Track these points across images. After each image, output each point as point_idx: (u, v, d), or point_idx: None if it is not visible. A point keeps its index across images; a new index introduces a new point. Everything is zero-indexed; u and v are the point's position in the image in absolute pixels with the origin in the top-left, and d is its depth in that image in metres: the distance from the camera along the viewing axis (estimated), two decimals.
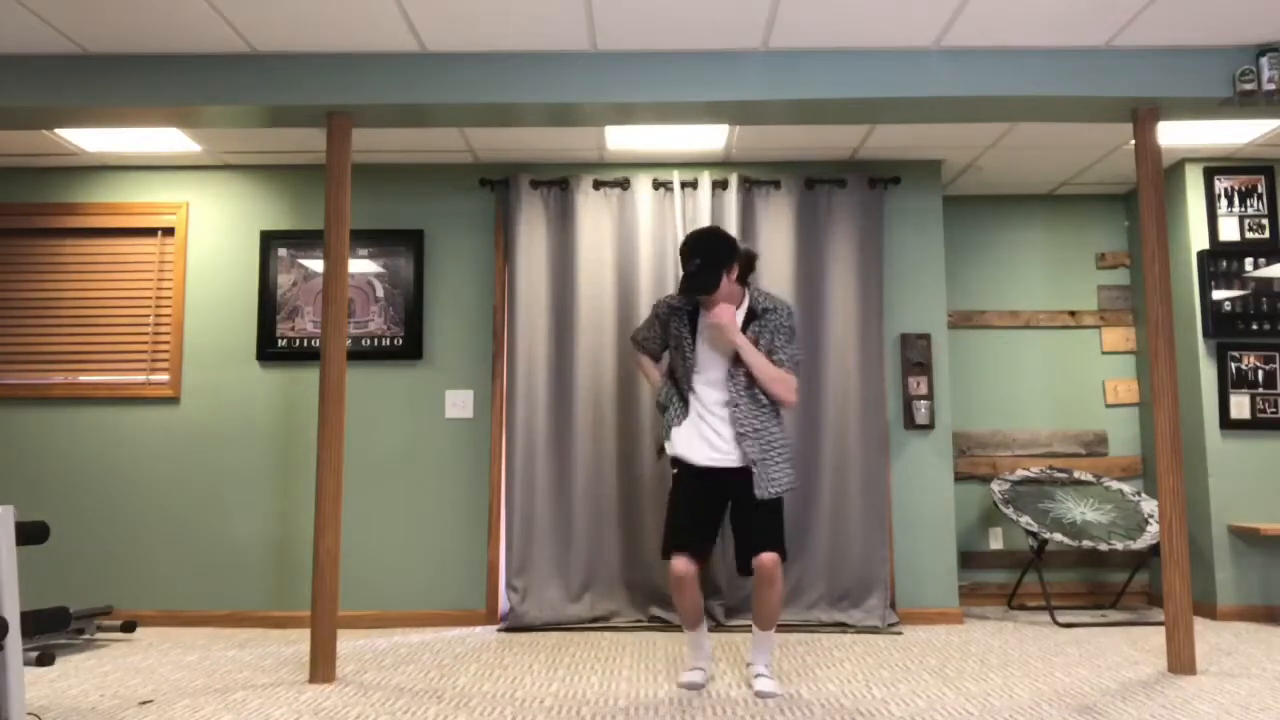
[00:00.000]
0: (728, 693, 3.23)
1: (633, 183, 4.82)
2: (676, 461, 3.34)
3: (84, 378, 4.87)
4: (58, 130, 4.18)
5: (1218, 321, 4.89)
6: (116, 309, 4.92)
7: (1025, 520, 4.73)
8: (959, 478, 5.33)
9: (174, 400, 4.82)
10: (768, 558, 3.17)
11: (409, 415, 4.80)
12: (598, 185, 4.81)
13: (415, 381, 4.82)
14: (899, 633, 4.41)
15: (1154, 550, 4.79)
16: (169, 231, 4.96)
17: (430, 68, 3.68)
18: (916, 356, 4.81)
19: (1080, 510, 4.90)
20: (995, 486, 4.97)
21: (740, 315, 3.30)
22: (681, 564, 3.21)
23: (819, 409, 4.69)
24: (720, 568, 4.53)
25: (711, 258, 3.21)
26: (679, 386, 3.40)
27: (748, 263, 3.35)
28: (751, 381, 3.25)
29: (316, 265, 4.89)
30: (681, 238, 4.73)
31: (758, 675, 3.27)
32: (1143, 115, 3.72)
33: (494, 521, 4.71)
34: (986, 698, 3.13)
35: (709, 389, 3.30)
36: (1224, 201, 4.98)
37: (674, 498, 3.32)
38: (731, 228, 4.74)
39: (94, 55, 3.69)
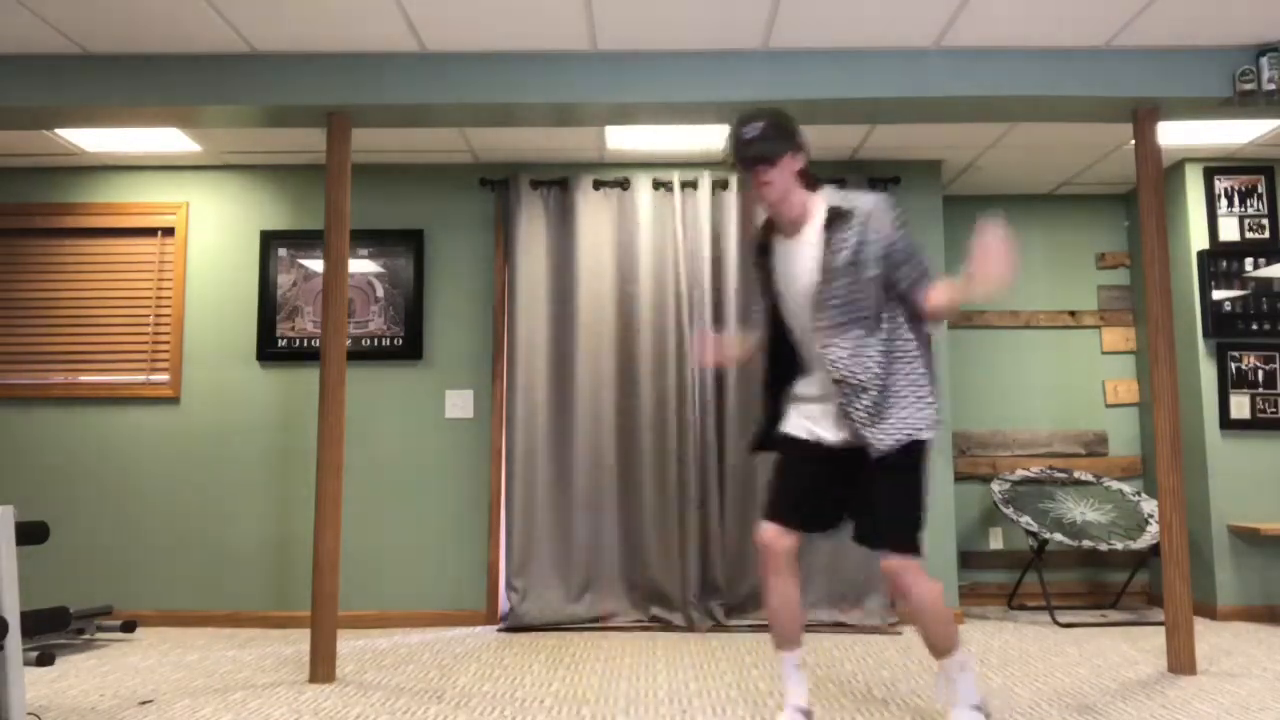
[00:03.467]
0: (727, 693, 3.23)
1: (633, 183, 4.82)
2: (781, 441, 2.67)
3: (84, 378, 4.87)
4: (58, 130, 4.18)
5: (1218, 321, 4.89)
6: (116, 309, 4.92)
7: (1025, 520, 4.73)
8: (959, 478, 5.33)
9: (174, 400, 4.82)
10: (890, 564, 2.45)
11: (409, 415, 4.80)
12: (598, 185, 4.81)
13: (415, 381, 4.82)
14: (899, 633, 4.41)
15: (1154, 550, 4.79)
16: (169, 231, 4.96)
17: (430, 68, 3.68)
18: None
19: (1080, 510, 4.90)
20: (995, 486, 4.97)
21: (817, 227, 2.53)
22: (770, 533, 2.57)
23: None
24: (720, 566, 4.53)
25: (778, 121, 2.50)
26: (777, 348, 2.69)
27: (811, 173, 2.64)
28: (852, 307, 2.49)
29: (316, 265, 4.89)
30: (682, 238, 4.73)
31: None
32: (1143, 115, 3.72)
33: (494, 521, 4.71)
34: (987, 698, 3.13)
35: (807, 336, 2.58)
36: (1224, 201, 4.98)
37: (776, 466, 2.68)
38: (731, 228, 4.74)
39: (94, 55, 3.69)
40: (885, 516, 2.46)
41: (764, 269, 2.68)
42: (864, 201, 2.50)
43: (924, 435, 2.47)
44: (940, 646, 2.50)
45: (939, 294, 2.51)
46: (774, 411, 2.70)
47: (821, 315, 2.50)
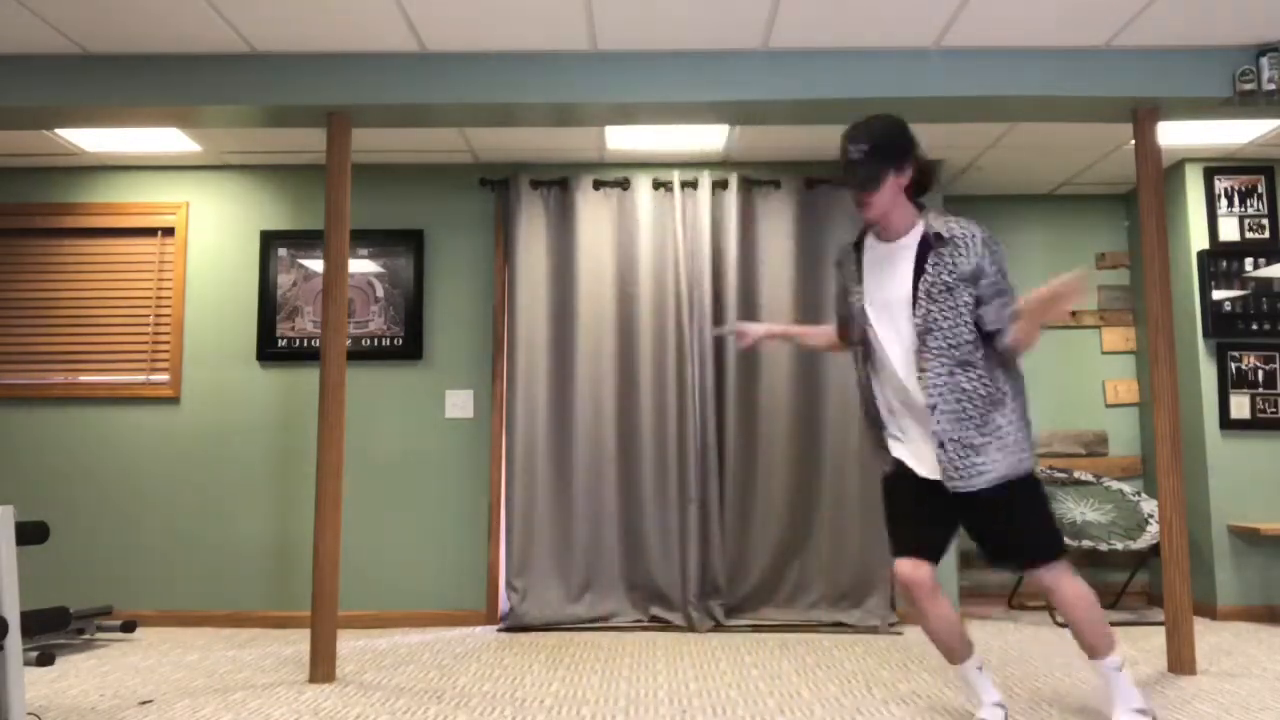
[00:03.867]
0: (727, 693, 3.23)
1: (633, 183, 4.82)
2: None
3: (83, 378, 4.87)
4: (58, 130, 4.18)
5: (1218, 321, 4.89)
6: (116, 309, 4.92)
7: None
8: None
9: (174, 400, 4.82)
10: (1039, 579, 2.49)
11: (409, 415, 4.80)
12: (598, 185, 4.81)
13: (415, 381, 4.82)
14: (899, 633, 4.41)
15: (1154, 550, 4.79)
16: (169, 231, 4.96)
17: (430, 68, 3.68)
18: None
19: (1080, 510, 4.90)
20: None
21: (912, 245, 2.50)
22: (907, 567, 2.53)
23: (819, 409, 4.69)
24: (720, 566, 4.53)
25: (882, 143, 2.46)
26: (857, 359, 2.67)
27: (926, 173, 2.58)
28: (951, 348, 2.44)
29: (316, 265, 4.89)
30: (682, 238, 4.73)
31: None
32: (1143, 115, 3.72)
33: (494, 521, 4.71)
34: None
35: (887, 360, 2.54)
36: (1224, 201, 4.98)
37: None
38: (731, 228, 4.74)
39: (94, 55, 3.69)
40: (1012, 541, 2.48)
41: (850, 268, 2.63)
42: (963, 230, 2.46)
43: (1020, 472, 2.46)
44: (1093, 645, 2.49)
45: (1020, 330, 2.46)
46: (878, 434, 2.66)
47: (915, 336, 2.47)
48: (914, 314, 2.46)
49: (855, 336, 2.63)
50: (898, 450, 2.59)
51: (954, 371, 2.44)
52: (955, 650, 2.59)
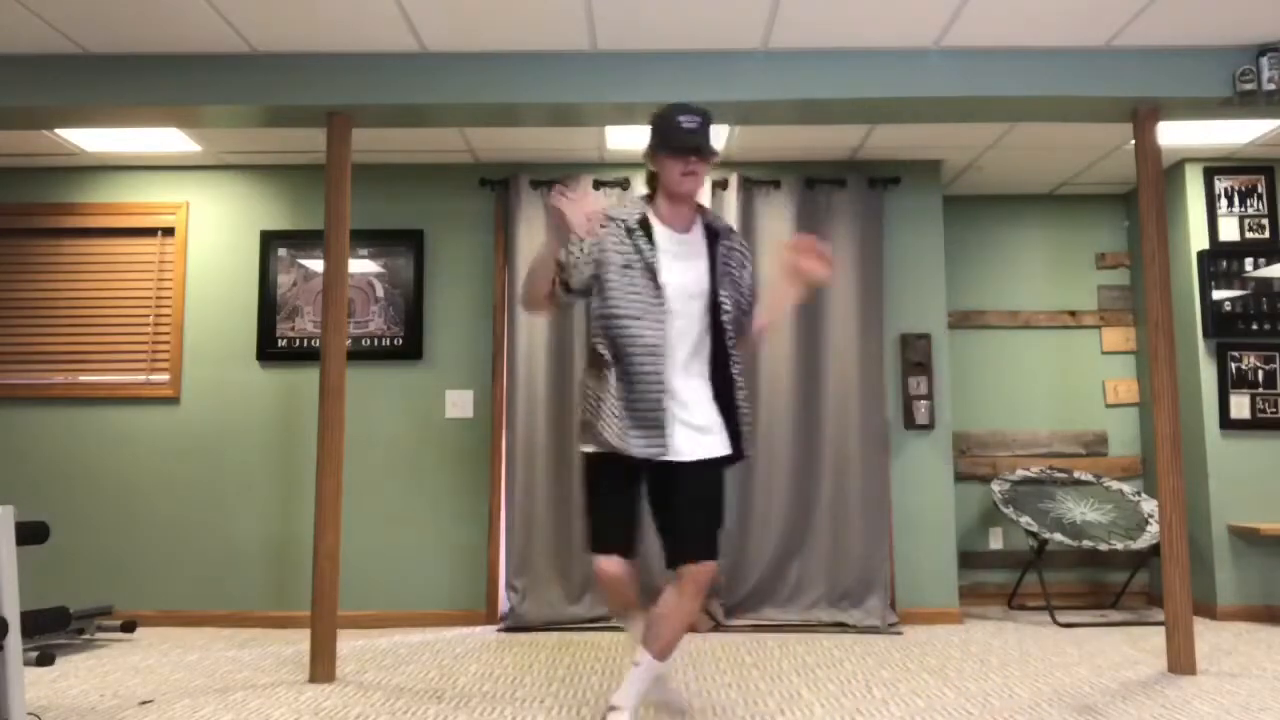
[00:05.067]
0: (727, 693, 3.23)
1: (633, 183, 4.82)
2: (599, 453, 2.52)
3: (84, 378, 4.87)
4: (58, 130, 4.18)
5: (1218, 321, 4.89)
6: (116, 309, 4.92)
7: (1025, 520, 4.73)
8: (959, 478, 5.33)
9: (174, 400, 4.82)
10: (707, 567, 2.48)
11: (409, 415, 4.80)
12: (598, 185, 4.81)
13: (415, 381, 4.82)
14: (899, 633, 4.41)
15: (1154, 550, 4.79)
16: (169, 231, 4.96)
17: (430, 68, 3.68)
18: (916, 356, 4.81)
19: (1080, 510, 4.90)
20: (995, 486, 4.97)
21: (700, 232, 2.57)
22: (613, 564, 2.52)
23: (819, 409, 4.69)
24: (719, 566, 4.53)
25: (711, 125, 2.52)
26: (615, 343, 2.50)
27: None
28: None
29: (316, 265, 4.89)
30: None
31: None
32: (1143, 115, 3.72)
33: (494, 521, 4.71)
34: (986, 698, 3.13)
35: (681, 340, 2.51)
36: (1224, 201, 4.98)
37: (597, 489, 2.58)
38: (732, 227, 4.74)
39: (94, 55, 3.69)
40: (704, 522, 2.52)
41: (642, 244, 2.51)
42: (730, 226, 2.65)
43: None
44: (669, 647, 2.51)
45: (761, 317, 2.66)
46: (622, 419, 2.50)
47: (709, 325, 2.52)
48: (718, 303, 2.53)
49: (623, 311, 2.48)
50: (636, 434, 2.46)
51: (735, 359, 2.56)
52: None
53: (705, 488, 2.51)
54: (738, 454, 2.56)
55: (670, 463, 2.47)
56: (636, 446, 2.44)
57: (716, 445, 2.51)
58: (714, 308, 2.53)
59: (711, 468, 2.51)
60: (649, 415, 2.45)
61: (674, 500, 2.50)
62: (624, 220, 2.55)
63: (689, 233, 2.58)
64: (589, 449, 2.52)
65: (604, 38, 3.58)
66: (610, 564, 2.50)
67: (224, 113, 3.73)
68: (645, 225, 2.54)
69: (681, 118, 2.48)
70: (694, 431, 2.49)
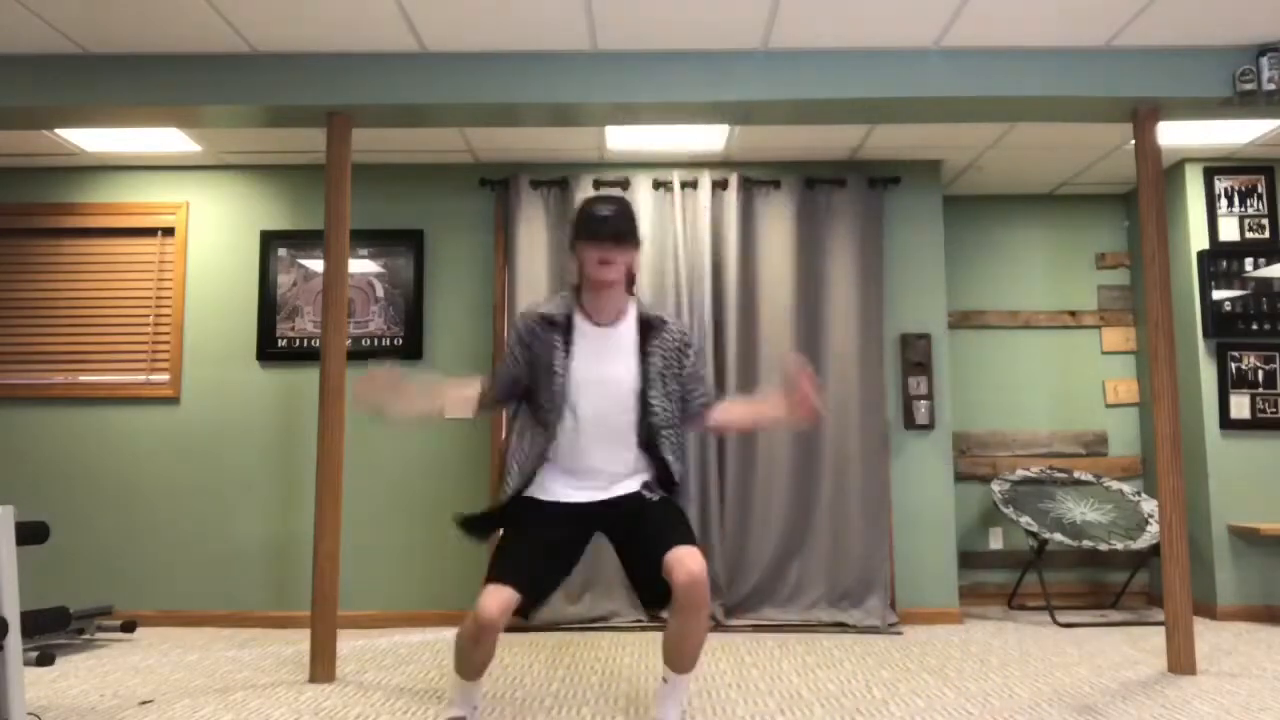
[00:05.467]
0: (727, 693, 3.23)
1: (633, 183, 4.82)
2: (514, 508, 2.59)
3: (84, 378, 4.87)
4: (58, 130, 4.18)
5: (1218, 321, 4.89)
6: (116, 309, 4.92)
7: (1025, 520, 4.73)
8: (959, 478, 5.33)
9: (174, 400, 4.82)
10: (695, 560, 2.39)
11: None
12: (598, 185, 4.81)
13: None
14: (899, 633, 4.41)
15: (1154, 550, 4.79)
16: (169, 231, 4.96)
17: (430, 68, 3.68)
18: (916, 356, 4.81)
19: (1080, 510, 4.90)
20: (995, 486, 4.97)
21: (631, 324, 2.59)
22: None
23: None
24: (719, 566, 4.53)
25: (628, 213, 2.52)
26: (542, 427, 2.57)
27: (635, 273, 2.70)
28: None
29: (316, 265, 4.89)
30: (682, 238, 4.73)
31: None
32: (1143, 115, 3.72)
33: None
34: (986, 698, 3.13)
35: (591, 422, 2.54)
36: (1224, 201, 4.98)
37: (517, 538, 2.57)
38: (731, 227, 4.75)
39: (94, 55, 3.69)
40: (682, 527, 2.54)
41: (554, 339, 2.55)
42: (670, 319, 2.63)
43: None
44: (693, 659, 2.52)
45: (732, 413, 2.68)
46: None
47: (640, 412, 2.54)
48: (645, 392, 2.53)
49: (545, 403, 2.55)
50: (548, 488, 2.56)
51: (667, 441, 2.57)
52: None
53: (662, 507, 2.54)
54: (668, 488, 2.60)
55: (618, 506, 2.53)
56: (566, 494, 2.53)
57: (642, 482, 2.57)
58: (643, 404, 2.54)
59: (655, 499, 2.55)
60: (576, 482, 2.55)
61: (638, 526, 2.51)
62: (549, 315, 2.58)
63: (616, 325, 2.58)
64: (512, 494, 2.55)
65: (604, 38, 3.58)
66: (498, 598, 2.35)
67: (224, 113, 3.73)
68: (568, 320, 2.57)
69: (599, 207, 2.50)
70: (622, 480, 2.56)
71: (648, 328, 2.59)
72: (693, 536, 2.47)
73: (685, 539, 2.42)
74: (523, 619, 2.49)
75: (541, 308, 2.60)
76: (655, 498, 2.56)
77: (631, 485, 2.56)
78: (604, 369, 2.54)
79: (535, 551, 2.49)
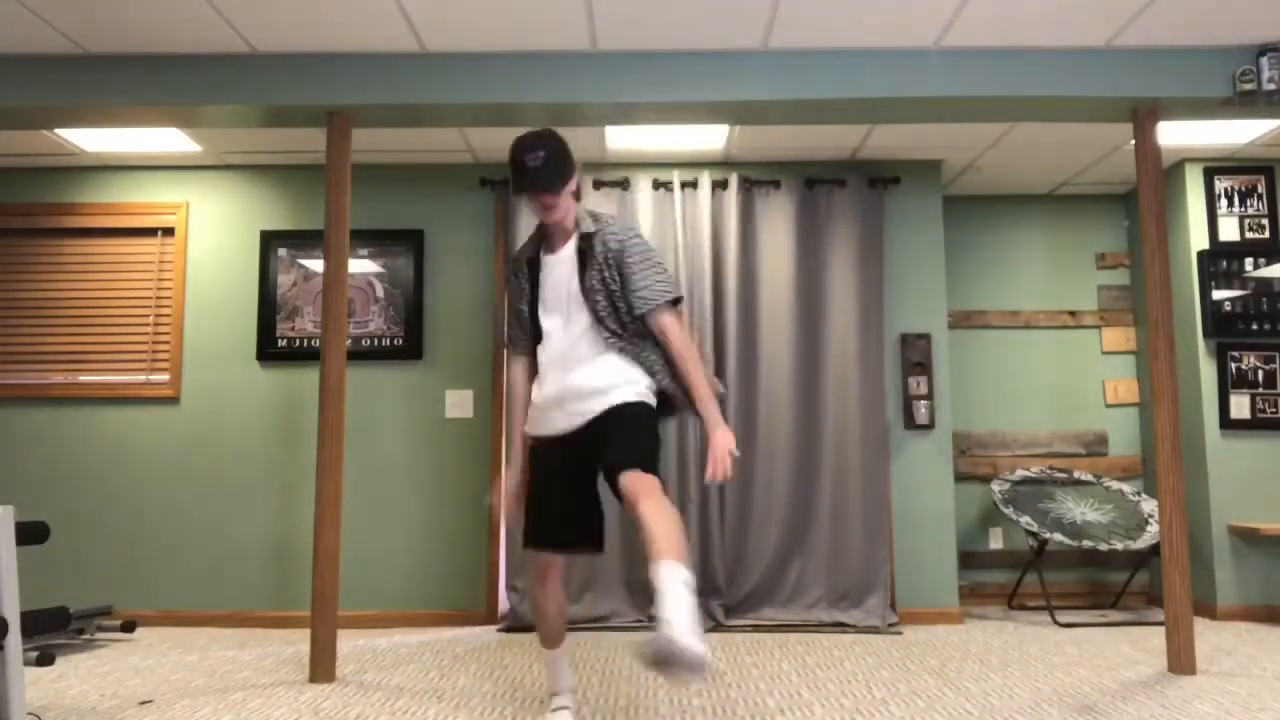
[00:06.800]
0: (727, 693, 3.23)
1: (633, 182, 4.82)
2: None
3: (84, 378, 4.87)
4: (58, 130, 4.18)
5: (1218, 321, 4.89)
6: (116, 309, 4.92)
7: (1025, 520, 4.73)
8: (959, 478, 5.33)
9: (174, 400, 4.82)
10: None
11: (409, 415, 4.80)
12: (598, 185, 4.81)
13: (415, 381, 4.82)
14: (899, 633, 4.41)
15: (1154, 550, 4.79)
16: (169, 231, 4.96)
17: (430, 68, 3.68)
18: (916, 356, 4.81)
19: (1080, 510, 4.90)
20: (995, 486, 4.97)
21: (571, 246, 2.70)
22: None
23: (819, 409, 4.69)
24: (719, 566, 4.53)
25: (556, 154, 2.60)
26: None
27: (579, 186, 2.81)
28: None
29: (316, 265, 4.89)
30: (682, 238, 4.73)
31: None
32: (1143, 115, 3.72)
33: (494, 522, 4.71)
34: (986, 698, 3.13)
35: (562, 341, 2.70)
36: (1224, 201, 4.98)
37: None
38: (732, 227, 4.75)
39: (94, 55, 3.69)
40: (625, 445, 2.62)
41: (525, 284, 2.75)
42: (606, 228, 2.69)
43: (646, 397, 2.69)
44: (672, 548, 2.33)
45: (687, 357, 2.66)
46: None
47: (588, 333, 2.65)
48: (592, 309, 2.64)
49: (531, 337, 2.76)
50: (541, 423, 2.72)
51: (617, 339, 2.65)
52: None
53: (624, 419, 2.58)
54: (665, 405, 2.70)
55: (592, 427, 2.62)
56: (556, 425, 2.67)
57: (621, 396, 2.60)
58: (595, 319, 2.65)
59: (626, 408, 2.59)
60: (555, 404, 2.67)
61: (604, 435, 2.60)
62: (520, 256, 2.80)
63: (561, 251, 2.71)
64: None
65: (604, 38, 3.58)
66: (535, 566, 2.72)
67: (224, 113, 3.73)
68: (535, 256, 2.76)
69: (526, 157, 2.58)
70: (594, 396, 2.62)
71: (585, 244, 2.68)
72: (633, 445, 2.53)
73: (627, 455, 2.49)
74: (597, 553, 2.81)
75: (518, 250, 2.83)
76: (621, 405, 2.61)
77: (611, 400, 2.62)
78: (557, 294, 2.69)
79: (551, 504, 2.73)
